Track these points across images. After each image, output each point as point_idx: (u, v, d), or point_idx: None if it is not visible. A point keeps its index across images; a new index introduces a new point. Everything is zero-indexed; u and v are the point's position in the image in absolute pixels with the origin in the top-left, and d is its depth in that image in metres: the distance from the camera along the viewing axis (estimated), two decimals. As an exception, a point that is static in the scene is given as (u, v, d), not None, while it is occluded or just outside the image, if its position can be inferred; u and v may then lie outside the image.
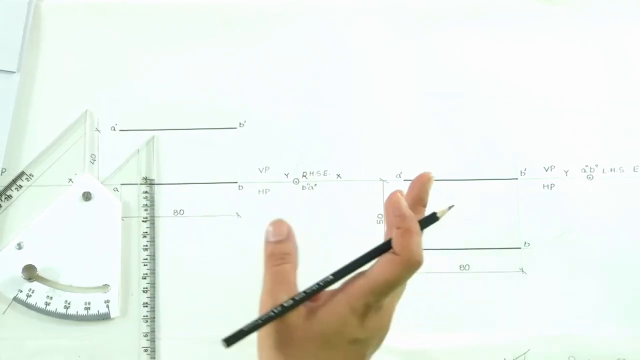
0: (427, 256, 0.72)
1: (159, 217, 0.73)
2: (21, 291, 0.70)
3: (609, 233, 0.74)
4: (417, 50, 0.76)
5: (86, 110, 0.74)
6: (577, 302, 0.73)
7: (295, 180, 0.74)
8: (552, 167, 0.75)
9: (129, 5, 0.76)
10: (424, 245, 0.73)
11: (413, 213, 0.57)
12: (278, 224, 0.58)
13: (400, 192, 0.57)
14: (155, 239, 0.73)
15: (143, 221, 0.73)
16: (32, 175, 0.73)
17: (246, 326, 0.54)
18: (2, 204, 0.72)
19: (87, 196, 0.72)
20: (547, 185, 0.75)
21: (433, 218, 0.58)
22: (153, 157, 0.74)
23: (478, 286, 0.73)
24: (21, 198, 0.73)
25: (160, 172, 0.74)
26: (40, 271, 0.71)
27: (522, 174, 0.75)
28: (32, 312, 0.71)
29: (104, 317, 0.71)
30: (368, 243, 0.73)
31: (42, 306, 0.70)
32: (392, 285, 0.56)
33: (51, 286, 0.71)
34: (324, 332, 0.55)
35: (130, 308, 0.72)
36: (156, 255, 0.73)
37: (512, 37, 0.77)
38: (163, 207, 0.73)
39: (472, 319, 0.73)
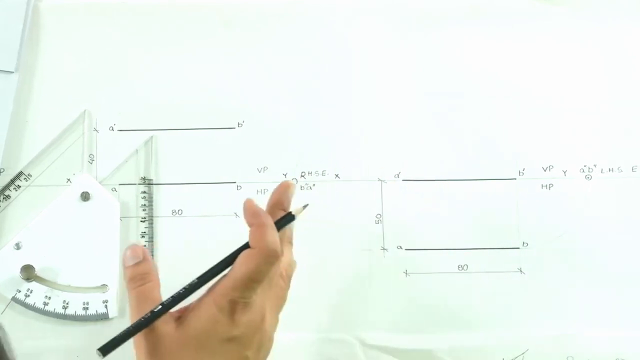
0: (426, 256, 0.73)
1: (158, 217, 0.73)
2: (19, 291, 0.70)
3: (607, 233, 0.74)
4: (417, 50, 0.76)
5: (85, 110, 0.74)
6: (576, 302, 0.73)
7: (293, 180, 0.74)
8: (551, 167, 0.75)
9: (129, 5, 0.76)
10: (424, 245, 0.73)
11: (270, 215, 0.60)
12: (133, 248, 0.61)
13: (251, 199, 0.60)
14: (154, 239, 0.73)
15: (141, 221, 0.73)
16: (31, 175, 0.73)
17: (118, 335, 0.56)
18: (1, 204, 0.72)
19: (85, 196, 0.72)
20: (546, 185, 0.75)
21: (289, 217, 0.61)
22: (151, 157, 0.74)
23: (477, 286, 0.73)
24: (19, 198, 0.73)
25: (159, 172, 0.74)
26: (38, 271, 0.71)
27: (521, 174, 0.75)
28: (30, 312, 0.71)
29: (103, 317, 0.71)
30: (367, 243, 0.73)
31: (41, 306, 0.70)
32: (253, 278, 0.58)
33: (49, 286, 0.71)
34: (196, 335, 0.57)
35: (129, 308, 0.72)
36: (154, 255, 0.73)
37: (512, 37, 0.77)
38: (161, 207, 0.73)
39: (470, 319, 0.73)
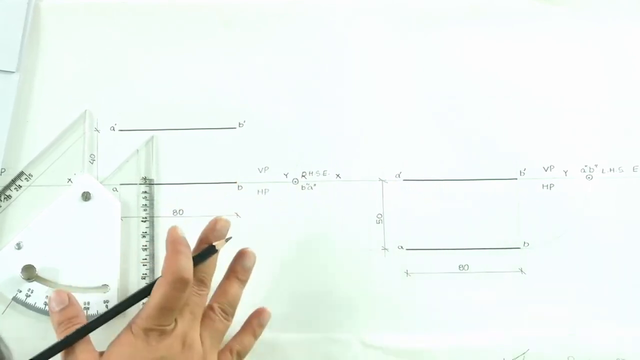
0: (427, 256, 0.73)
1: (159, 217, 0.73)
2: (20, 291, 0.70)
3: (608, 233, 0.74)
4: (417, 50, 0.76)
5: (85, 110, 0.74)
6: (577, 302, 0.73)
7: (294, 180, 0.74)
8: (552, 167, 0.75)
9: (129, 5, 0.76)
10: (425, 245, 0.73)
11: (197, 248, 0.64)
12: (57, 293, 0.66)
13: (177, 227, 0.63)
14: (155, 239, 0.73)
15: (142, 221, 0.73)
16: (32, 175, 0.73)
17: (40, 353, 0.62)
18: (2, 204, 0.72)
19: (86, 196, 0.72)
20: (547, 185, 0.75)
21: (211, 249, 0.64)
22: (152, 157, 0.74)
23: (477, 286, 0.73)
24: (20, 198, 0.73)
25: (160, 172, 0.74)
26: (39, 271, 0.71)
27: (522, 174, 0.75)
28: (31, 312, 0.71)
29: (103, 317, 0.71)
30: (367, 243, 0.73)
31: (42, 306, 0.70)
32: (163, 306, 0.60)
33: (50, 286, 0.71)
34: None
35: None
36: (155, 255, 0.73)
37: (512, 37, 0.77)
38: (162, 207, 0.73)
39: (471, 319, 0.73)
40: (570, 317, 0.73)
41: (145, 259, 0.72)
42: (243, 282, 0.67)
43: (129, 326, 0.62)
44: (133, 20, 0.76)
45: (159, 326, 0.60)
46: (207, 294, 0.65)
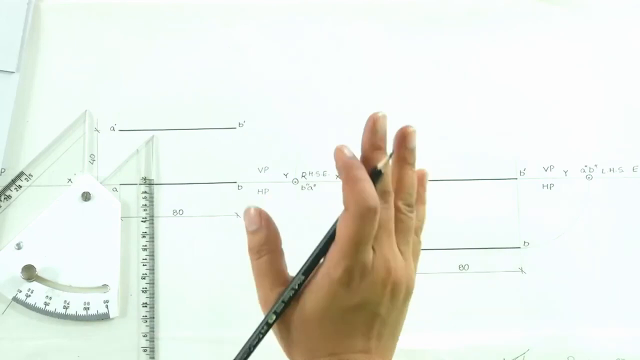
0: (427, 256, 0.73)
1: (158, 217, 0.73)
2: (20, 291, 0.70)
3: (608, 233, 0.74)
4: (418, 50, 0.76)
5: (85, 111, 0.74)
6: (577, 302, 0.73)
7: (294, 181, 0.74)
8: (552, 167, 0.75)
9: (129, 5, 0.76)
10: (425, 245, 0.73)
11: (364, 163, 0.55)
12: (251, 212, 0.57)
13: (343, 146, 0.54)
14: (155, 239, 0.73)
15: (142, 221, 0.73)
16: (32, 176, 0.73)
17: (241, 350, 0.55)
18: (2, 204, 0.72)
19: (86, 196, 0.72)
20: (547, 185, 0.75)
21: (378, 174, 0.55)
22: (152, 157, 0.74)
23: (477, 286, 0.73)
24: (20, 198, 0.73)
25: (160, 172, 0.74)
26: (39, 271, 0.71)
27: (522, 174, 0.75)
28: (31, 312, 0.71)
29: (103, 317, 0.71)
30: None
31: (42, 306, 0.70)
32: (358, 241, 0.53)
33: (50, 286, 0.71)
34: (316, 315, 0.54)
35: (130, 308, 0.72)
36: (155, 255, 0.73)
37: (513, 37, 0.77)
38: (162, 207, 0.73)
39: (471, 319, 0.73)
40: (570, 317, 0.73)
41: (145, 259, 0.72)
42: (413, 164, 0.59)
43: (323, 271, 0.55)
44: (133, 20, 0.76)
45: (357, 263, 0.53)
46: (392, 200, 0.57)
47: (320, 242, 0.56)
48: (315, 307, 0.55)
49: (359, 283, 0.54)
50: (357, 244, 0.53)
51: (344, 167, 0.54)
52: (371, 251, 0.54)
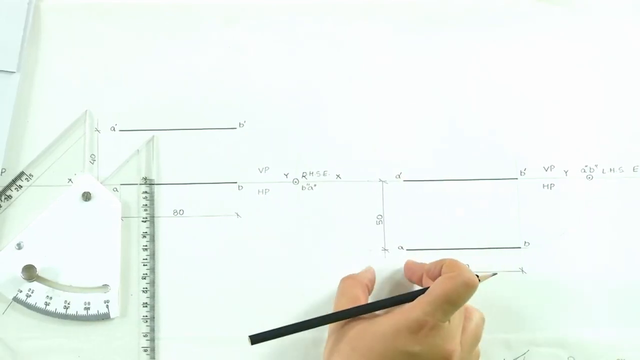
0: (427, 256, 0.73)
1: (159, 217, 0.73)
2: (21, 291, 0.70)
3: (608, 233, 0.74)
4: (418, 50, 0.76)
5: (86, 111, 0.74)
6: (577, 302, 0.73)
7: (295, 181, 0.74)
8: (552, 167, 0.75)
9: (129, 5, 0.76)
10: (425, 246, 0.73)
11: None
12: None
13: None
14: (155, 239, 0.73)
15: (143, 221, 0.73)
16: (32, 176, 0.73)
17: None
18: (2, 204, 0.72)
19: (86, 196, 0.72)
20: (547, 185, 0.75)
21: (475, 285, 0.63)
22: (153, 157, 0.74)
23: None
24: (21, 198, 0.73)
25: (160, 172, 0.74)
26: (39, 271, 0.71)
27: (522, 173, 0.75)
28: (31, 312, 0.71)
29: (104, 317, 0.71)
30: (368, 243, 0.73)
31: (42, 306, 0.70)
32: (448, 300, 0.59)
33: (51, 286, 0.71)
34: (381, 346, 0.60)
35: (130, 308, 0.72)
36: (156, 255, 0.73)
37: (513, 37, 0.77)
38: (163, 207, 0.73)
39: (471, 319, 0.73)
40: (570, 317, 0.73)
41: (146, 259, 0.72)
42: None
43: (402, 310, 0.61)
44: (133, 20, 0.76)
45: (434, 318, 0.59)
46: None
47: (405, 294, 0.64)
48: (376, 331, 0.60)
49: (424, 336, 0.57)
50: (447, 302, 0.59)
51: (450, 266, 0.63)
52: (448, 318, 0.60)
